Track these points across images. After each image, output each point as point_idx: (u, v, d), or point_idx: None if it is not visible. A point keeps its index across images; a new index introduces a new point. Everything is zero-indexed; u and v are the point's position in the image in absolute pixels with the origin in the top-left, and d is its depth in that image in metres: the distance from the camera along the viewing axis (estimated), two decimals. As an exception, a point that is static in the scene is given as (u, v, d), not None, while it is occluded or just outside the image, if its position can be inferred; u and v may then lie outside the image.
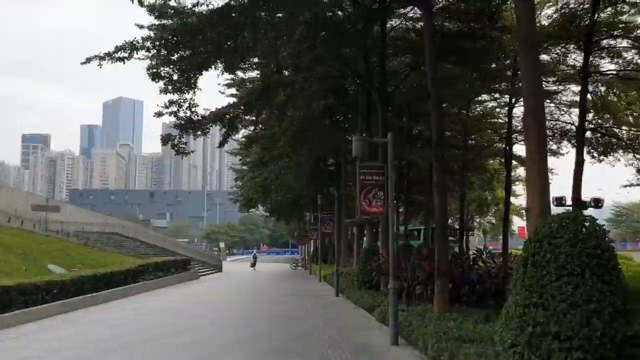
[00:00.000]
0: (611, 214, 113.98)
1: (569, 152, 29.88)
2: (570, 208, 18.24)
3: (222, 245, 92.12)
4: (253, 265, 52.35)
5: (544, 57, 24.65)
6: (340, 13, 20.57)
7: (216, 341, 11.80)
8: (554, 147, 30.04)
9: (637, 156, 23.33)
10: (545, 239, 6.53)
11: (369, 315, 15.12)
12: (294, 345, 11.31)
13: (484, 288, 13.64)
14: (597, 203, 19.58)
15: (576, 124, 21.03)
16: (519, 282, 6.66)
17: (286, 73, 20.74)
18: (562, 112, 27.34)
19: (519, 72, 25.00)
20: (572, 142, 28.09)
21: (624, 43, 20.10)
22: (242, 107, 21.95)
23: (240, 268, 54.02)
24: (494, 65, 23.72)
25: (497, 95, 31.22)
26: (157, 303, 20.28)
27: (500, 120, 32.97)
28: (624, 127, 24.14)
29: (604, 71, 21.22)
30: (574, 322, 6.00)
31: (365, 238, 28.14)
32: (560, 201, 19.06)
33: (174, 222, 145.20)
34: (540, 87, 9.30)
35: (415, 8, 19.97)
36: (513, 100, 27.24)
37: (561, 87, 25.01)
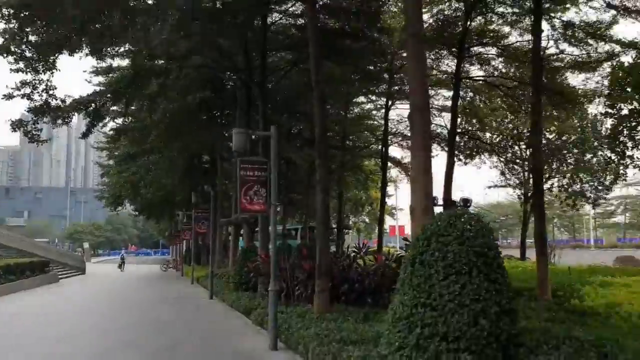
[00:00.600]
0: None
1: (438, 154, 31.34)
2: (442, 208, 18.91)
3: (86, 245, 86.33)
4: (120, 266, 49.44)
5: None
6: (218, 3, 19.69)
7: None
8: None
9: (501, 159, 24.87)
10: (433, 237, 6.34)
11: (245, 319, 14.46)
12: (164, 355, 10.36)
13: (363, 286, 13.55)
14: (466, 203, 20.55)
15: (447, 127, 21.92)
16: (406, 281, 6.42)
17: (160, 62, 19.46)
18: (434, 116, 28.63)
19: (395, 75, 25.82)
20: (442, 145, 29.54)
21: (493, 51, 21.24)
22: (109, 96, 20.23)
23: (106, 270, 50.71)
24: (372, 67, 24.08)
25: (373, 98, 31.99)
26: None
27: (377, 122, 33.87)
28: (488, 133, 25.61)
29: (474, 77, 22.30)
30: (461, 322, 5.85)
31: (242, 238, 27.40)
32: (432, 201, 19.71)
33: (33, 220, 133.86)
34: (426, 84, 9.26)
35: (297, 4, 19.66)
36: (389, 102, 28.00)
37: (432, 92, 26.01)
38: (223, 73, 25.64)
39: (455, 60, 20.85)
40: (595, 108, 22.85)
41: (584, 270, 20.84)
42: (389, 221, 62.96)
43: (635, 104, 21.63)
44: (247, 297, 16.39)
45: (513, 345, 6.04)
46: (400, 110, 46.60)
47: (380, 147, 27.86)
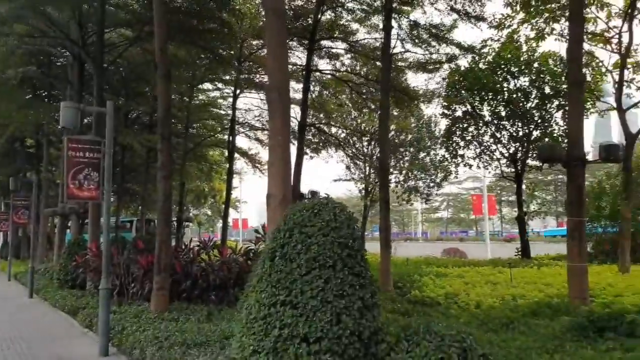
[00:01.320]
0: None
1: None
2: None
3: None
4: None
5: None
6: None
7: None
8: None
9: (348, 154, 25.27)
10: (296, 227, 5.73)
11: (72, 320, 12.76)
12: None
13: (208, 282, 12.65)
14: (314, 195, 20.48)
15: (297, 119, 21.66)
16: (264, 277, 5.73)
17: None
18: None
19: (244, 61, 25.02)
20: (291, 137, 29.36)
21: (343, 46, 21.39)
22: None
23: None
24: (222, 51, 23.01)
25: (220, 86, 30.86)
26: None
27: (223, 111, 32.81)
28: (335, 127, 25.87)
29: (323, 70, 22.28)
30: (324, 320, 5.30)
31: (69, 231, 24.74)
32: (291, 189, 19.30)
33: None
34: (286, 62, 8.64)
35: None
36: (237, 91, 27.14)
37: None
38: (53, 47, 22.88)
39: (306, 52, 20.67)
40: (434, 108, 24.12)
41: (419, 261, 21.85)
42: (232, 214, 62.08)
43: (469, 106, 23.31)
44: (73, 296, 14.60)
45: (375, 343, 5.65)
46: (250, 99, 45.96)
47: (228, 136, 26.85)
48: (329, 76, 22.79)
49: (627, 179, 15.48)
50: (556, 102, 21.56)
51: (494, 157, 23.49)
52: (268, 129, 7.85)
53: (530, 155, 22.09)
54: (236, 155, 32.79)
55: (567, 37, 18.67)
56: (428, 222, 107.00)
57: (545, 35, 18.30)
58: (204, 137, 33.04)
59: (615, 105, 16.30)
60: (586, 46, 19.37)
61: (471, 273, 16.65)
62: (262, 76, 27.49)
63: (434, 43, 18.74)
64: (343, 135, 26.01)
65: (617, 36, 16.79)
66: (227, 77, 27.93)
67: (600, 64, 18.20)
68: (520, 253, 22.20)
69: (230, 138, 26.50)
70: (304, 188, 20.31)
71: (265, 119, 29.88)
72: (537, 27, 18.22)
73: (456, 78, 21.36)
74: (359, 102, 22.94)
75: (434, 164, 30.18)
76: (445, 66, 20.58)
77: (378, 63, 21.12)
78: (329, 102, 23.95)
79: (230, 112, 29.56)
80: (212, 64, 23.99)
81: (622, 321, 7.58)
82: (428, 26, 17.87)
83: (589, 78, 20.14)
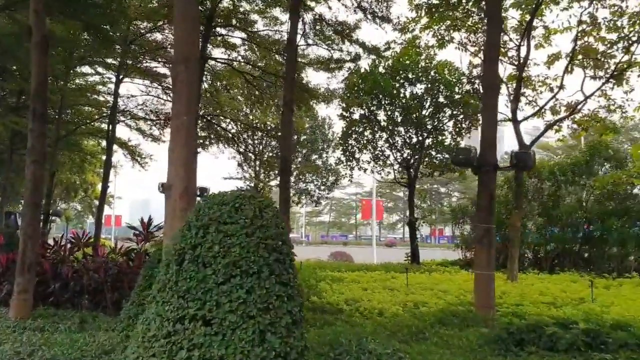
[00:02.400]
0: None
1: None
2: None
3: None
4: None
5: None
6: None
7: None
8: (157, 132, 29.07)
9: (240, 150, 24.07)
10: (212, 224, 4.65)
11: None
12: None
13: (81, 285, 11.00)
14: (203, 192, 19.09)
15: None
16: (168, 285, 4.59)
17: None
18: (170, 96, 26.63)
19: (130, 43, 22.99)
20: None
21: (241, 35, 20.26)
22: None
23: None
24: (109, 31, 20.88)
25: (101, 70, 28.26)
26: None
27: (102, 98, 30.12)
28: (225, 121, 24.59)
29: (219, 59, 20.97)
30: (245, 340, 4.29)
31: None
32: (195, 178, 17.73)
33: None
34: (197, 31, 7.46)
35: None
36: (121, 76, 24.97)
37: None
38: None
39: (201, 39, 19.28)
40: (334, 109, 23.61)
41: (311, 265, 21.22)
42: (105, 210, 58.13)
43: (366, 110, 23.13)
44: None
45: (302, 365, 4.74)
46: (134, 86, 43.14)
47: (108, 125, 24.51)
48: (224, 66, 21.51)
49: (518, 189, 15.91)
50: (449, 112, 22.01)
51: (387, 162, 23.54)
52: (171, 108, 6.62)
53: (422, 162, 22.37)
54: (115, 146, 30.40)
55: (466, 47, 19.18)
56: (310, 225, 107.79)
57: (446, 44, 18.45)
58: (79, 124, 30.15)
59: (510, 116, 16.68)
60: (477, 59, 19.93)
61: (366, 278, 16.25)
62: (149, 62, 25.58)
63: (337, 41, 18.21)
64: (234, 130, 24.78)
65: (514, 49, 17.25)
66: (110, 61, 25.59)
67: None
68: (410, 258, 22.37)
69: (110, 127, 24.23)
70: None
71: (149, 108, 27.90)
72: (438, 35, 18.31)
73: (355, 80, 21.07)
74: (253, 96, 21.88)
75: (326, 166, 29.87)
76: (346, 67, 20.14)
77: (277, 57, 20.28)
78: (221, 93, 22.62)
79: (110, 99, 27.23)
80: (95, 43, 21.75)
81: (542, 333, 7.28)
82: (333, 22, 17.30)
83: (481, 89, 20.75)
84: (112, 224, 58.49)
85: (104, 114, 29.13)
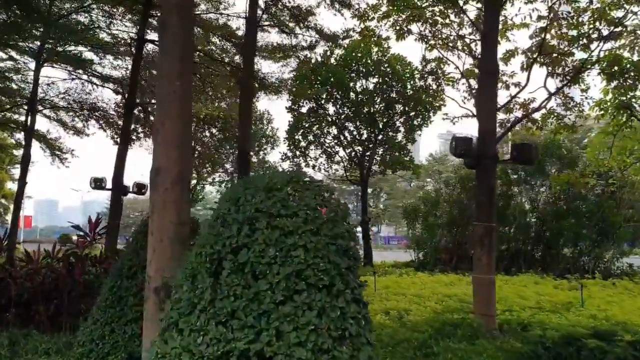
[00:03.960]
0: (106, 208, 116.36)
1: (95, 132, 26.86)
2: (111, 193, 15.16)
3: None
4: None
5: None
6: None
7: None
8: (80, 125, 26.50)
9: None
10: (262, 218, 3.28)
11: None
12: None
13: (8, 297, 9.08)
14: (141, 189, 17.21)
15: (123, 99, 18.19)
16: (200, 307, 3.19)
17: None
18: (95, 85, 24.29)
19: (57, 20, 20.53)
20: (101, 122, 25.26)
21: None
22: None
23: None
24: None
25: (14, 54, 25.31)
26: None
27: (15, 86, 27.05)
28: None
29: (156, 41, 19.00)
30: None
31: None
32: (99, 183, 15.70)
33: None
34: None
35: None
36: (42, 60, 22.37)
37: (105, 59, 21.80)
38: None
39: (140, 18, 17.44)
40: (284, 102, 22.11)
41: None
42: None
43: (314, 103, 21.94)
44: None
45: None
46: (55, 71, 39.70)
47: (26, 115, 21.82)
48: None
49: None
50: (400, 108, 21.23)
51: (334, 159, 22.47)
52: (157, 70, 5.14)
53: (373, 159, 21.46)
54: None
55: (427, 40, 18.41)
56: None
57: (405, 36, 17.58)
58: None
59: (474, 112, 16.01)
60: (437, 52, 19.23)
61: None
62: (76, 48, 23.08)
63: (292, 26, 16.91)
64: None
65: (477, 41, 16.61)
66: (26, 45, 22.88)
67: (455, 68, 17.94)
68: (363, 260, 21.31)
69: (30, 117, 21.62)
70: (128, 180, 16.90)
71: (72, 97, 25.27)
72: (397, 25, 17.40)
73: (306, 71, 19.79)
74: (196, 84, 20.10)
75: (264, 164, 28.45)
76: (296, 56, 18.85)
77: (223, 42, 18.73)
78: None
79: (25, 86, 24.54)
80: (11, 23, 19.17)
81: (581, 347, 6.38)
82: (289, 5, 15.99)
83: (440, 85, 20.08)
84: (22, 225, 53.82)
85: (18, 103, 26.23)
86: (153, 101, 21.56)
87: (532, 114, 16.58)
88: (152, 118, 21.92)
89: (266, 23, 16.95)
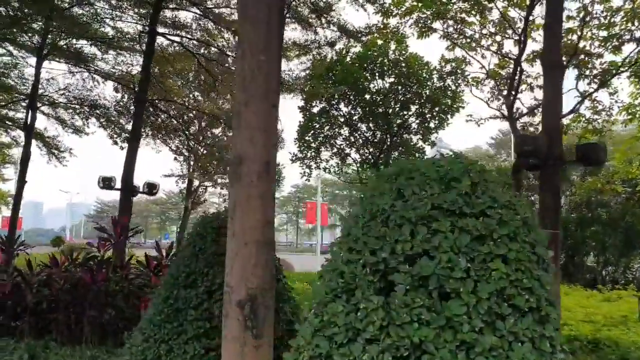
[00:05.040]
0: (93, 210, 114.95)
1: (95, 131, 25.88)
2: (120, 193, 14.27)
3: None
4: None
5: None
6: None
7: None
8: (79, 123, 25.52)
9: (191, 145, 21.27)
10: (440, 217, 2.49)
11: None
12: None
13: (26, 304, 8.20)
14: (152, 189, 16.33)
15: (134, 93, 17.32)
16: (371, 336, 2.39)
17: None
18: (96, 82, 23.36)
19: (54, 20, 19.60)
20: (101, 120, 24.32)
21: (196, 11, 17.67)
22: None
23: None
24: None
25: (12, 49, 24.27)
26: None
27: (12, 82, 26.01)
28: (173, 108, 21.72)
29: (167, 34, 18.17)
30: None
31: None
32: (108, 182, 14.81)
33: None
34: None
35: None
36: (43, 56, 21.41)
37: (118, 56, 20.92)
38: None
39: (152, 10, 16.61)
40: (298, 101, 21.22)
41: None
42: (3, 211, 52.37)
43: (325, 103, 21.10)
44: None
45: None
46: (53, 66, 38.72)
47: (26, 112, 20.80)
48: (177, 44, 18.75)
49: (517, 189, 14.58)
50: (414, 109, 20.48)
51: (347, 161, 21.65)
52: (237, 44, 4.31)
53: (389, 161, 20.68)
54: (20, 139, 26.64)
55: (452, 39, 17.75)
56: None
57: (429, 34, 16.91)
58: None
59: (505, 113, 15.37)
60: (459, 52, 18.59)
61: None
62: (78, 43, 22.12)
63: (313, 22, 16.14)
64: (182, 119, 21.90)
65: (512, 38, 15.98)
66: (27, 38, 21.92)
67: (481, 68, 17.26)
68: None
69: (29, 115, 20.63)
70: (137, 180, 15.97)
71: (72, 94, 24.27)
72: (421, 23, 16.72)
73: (322, 69, 19.00)
74: (207, 82, 19.23)
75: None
76: (312, 53, 18.05)
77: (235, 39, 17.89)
78: (168, 77, 19.74)
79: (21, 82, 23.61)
80: (10, 16, 18.22)
81: None
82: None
83: (459, 86, 19.39)
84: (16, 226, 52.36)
85: (15, 99, 25.23)
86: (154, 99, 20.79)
87: (563, 117, 15.96)
88: (162, 116, 21.08)
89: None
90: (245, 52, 4.27)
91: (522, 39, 15.46)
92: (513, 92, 15.29)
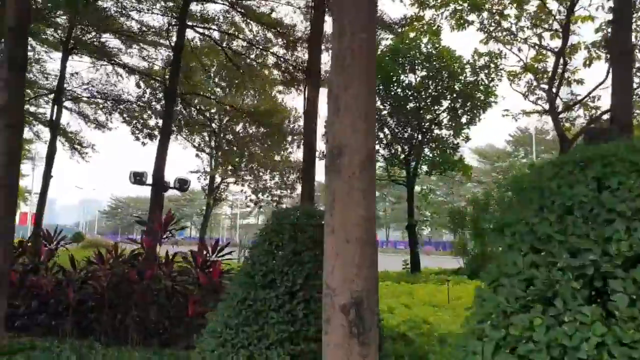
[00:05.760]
0: (108, 206, 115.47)
1: (118, 127, 25.63)
2: (151, 188, 13.93)
3: None
4: None
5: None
6: None
7: None
8: (102, 118, 25.31)
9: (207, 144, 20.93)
10: None
11: None
12: None
13: (68, 302, 7.85)
14: (183, 184, 15.99)
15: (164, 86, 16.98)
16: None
17: None
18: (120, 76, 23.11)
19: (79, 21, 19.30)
20: (124, 115, 24.08)
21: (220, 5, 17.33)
22: None
23: None
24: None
25: (35, 44, 24.08)
26: None
27: (33, 77, 25.82)
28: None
29: (198, 26, 17.82)
30: None
31: None
32: (139, 178, 14.48)
33: None
34: None
35: None
36: (69, 50, 21.18)
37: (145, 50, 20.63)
38: None
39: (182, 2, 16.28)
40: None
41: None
42: (21, 207, 52.48)
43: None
44: None
45: None
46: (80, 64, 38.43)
47: (52, 108, 20.61)
48: (202, 38, 18.44)
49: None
50: (445, 104, 20.01)
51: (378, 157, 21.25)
52: (333, 22, 3.88)
53: (421, 159, 20.21)
54: (42, 134, 26.55)
55: (489, 31, 17.26)
56: (232, 229, 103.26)
57: (465, 26, 16.43)
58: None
59: (546, 107, 14.88)
60: (493, 45, 18.09)
61: (392, 289, 13.82)
62: (104, 38, 21.81)
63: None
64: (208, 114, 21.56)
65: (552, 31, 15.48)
66: (51, 33, 21.72)
67: (518, 61, 16.75)
68: (409, 266, 19.98)
69: (55, 110, 20.44)
70: (169, 176, 15.64)
71: (96, 89, 24.02)
72: (458, 14, 16.25)
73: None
74: (233, 77, 18.89)
75: (287, 162, 27.19)
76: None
77: (266, 32, 17.56)
78: (197, 72, 19.40)
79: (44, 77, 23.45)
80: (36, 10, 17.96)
81: None
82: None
83: (492, 81, 18.88)
84: (28, 222, 52.65)
85: (37, 94, 25.05)
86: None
87: (603, 114, 15.43)
88: (187, 111, 20.73)
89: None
90: (344, 30, 3.86)
91: (565, 30, 14.96)
92: (555, 85, 14.79)
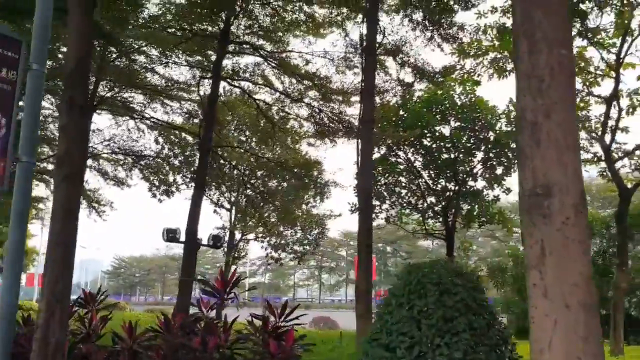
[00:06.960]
0: (111, 267, 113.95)
1: (137, 184, 24.97)
2: (184, 245, 13.13)
3: None
4: None
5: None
6: None
7: None
8: (122, 174, 24.77)
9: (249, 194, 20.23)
10: None
11: None
12: None
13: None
14: (217, 241, 15.17)
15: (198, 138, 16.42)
16: None
17: None
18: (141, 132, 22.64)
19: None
20: (145, 172, 23.51)
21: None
22: None
23: None
24: None
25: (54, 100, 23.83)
26: None
27: (52, 134, 25.46)
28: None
29: (234, 79, 17.47)
30: None
31: None
32: (172, 235, 13.69)
33: None
34: None
35: None
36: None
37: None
38: None
39: (215, 54, 15.99)
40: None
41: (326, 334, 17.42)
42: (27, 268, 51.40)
43: (385, 149, 20.01)
44: None
45: None
46: (100, 119, 38.19)
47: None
48: (230, 90, 18.07)
49: (622, 239, 13.25)
50: (479, 156, 19.34)
51: (411, 209, 20.39)
52: (517, 38, 3.18)
53: (459, 211, 19.41)
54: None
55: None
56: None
57: (507, 74, 15.99)
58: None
59: (602, 155, 14.19)
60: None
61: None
62: (128, 93, 21.36)
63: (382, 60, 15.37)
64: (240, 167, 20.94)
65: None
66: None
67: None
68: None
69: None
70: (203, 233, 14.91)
71: (117, 145, 23.48)
72: (499, 62, 15.84)
73: (388, 112, 17.98)
74: (267, 129, 18.35)
75: (309, 216, 26.33)
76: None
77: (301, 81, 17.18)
78: (229, 125, 18.94)
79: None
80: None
81: None
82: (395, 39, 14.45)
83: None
84: (35, 283, 51.39)
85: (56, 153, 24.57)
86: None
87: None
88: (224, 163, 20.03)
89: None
90: (538, 46, 3.18)
91: (616, 75, 14.48)
92: (609, 133, 14.18)
